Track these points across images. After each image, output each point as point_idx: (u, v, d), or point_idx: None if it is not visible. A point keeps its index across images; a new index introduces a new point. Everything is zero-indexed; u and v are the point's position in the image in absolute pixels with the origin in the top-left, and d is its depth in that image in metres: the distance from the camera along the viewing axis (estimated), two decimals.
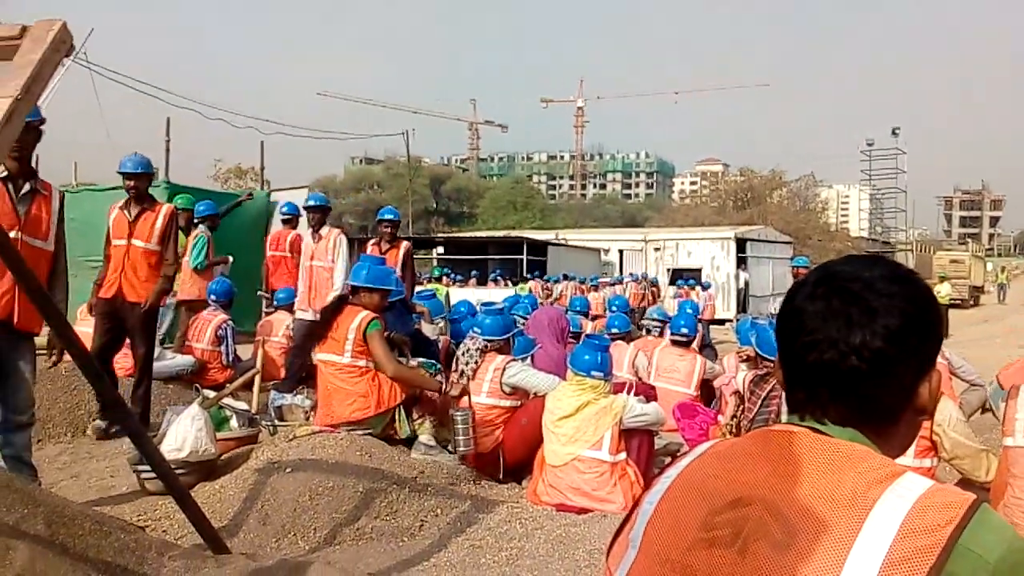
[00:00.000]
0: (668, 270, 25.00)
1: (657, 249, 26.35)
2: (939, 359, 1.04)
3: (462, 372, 5.19)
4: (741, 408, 4.70)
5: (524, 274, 22.16)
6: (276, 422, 5.86)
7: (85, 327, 6.86)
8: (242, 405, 5.41)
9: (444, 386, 5.08)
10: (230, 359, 7.48)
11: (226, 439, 4.89)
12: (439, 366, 5.69)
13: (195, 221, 8.44)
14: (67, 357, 4.21)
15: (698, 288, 20.29)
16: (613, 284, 19.50)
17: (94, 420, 5.73)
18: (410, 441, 4.98)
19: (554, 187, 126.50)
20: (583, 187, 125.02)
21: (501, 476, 5.06)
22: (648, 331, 8.56)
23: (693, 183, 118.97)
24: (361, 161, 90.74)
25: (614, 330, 7.94)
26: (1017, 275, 53.01)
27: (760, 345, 5.05)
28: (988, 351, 13.79)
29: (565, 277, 20.06)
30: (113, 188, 10.42)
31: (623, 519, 1.09)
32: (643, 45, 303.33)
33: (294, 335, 7.38)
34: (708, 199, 63.69)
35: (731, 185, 60.96)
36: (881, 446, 0.97)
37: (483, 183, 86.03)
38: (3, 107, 2.11)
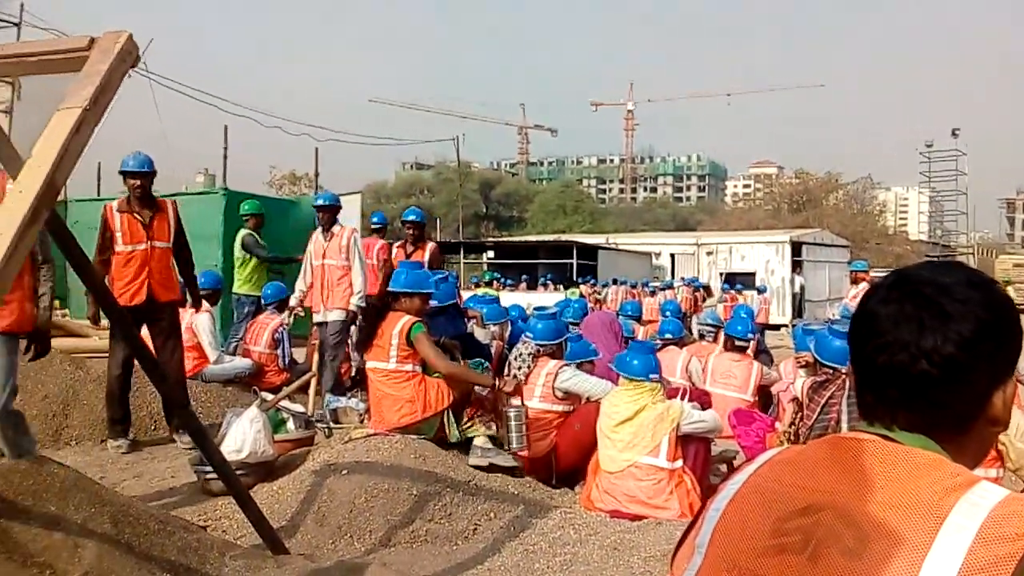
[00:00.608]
0: (721, 274, 24.67)
1: (709, 253, 26.06)
2: None
3: (514, 376, 5.19)
4: (799, 415, 4.59)
5: (574, 278, 22.10)
6: (331, 424, 5.94)
7: None
8: (298, 408, 5.49)
9: (496, 382, 5.04)
10: (286, 362, 7.60)
11: (283, 441, 4.97)
12: (486, 364, 5.69)
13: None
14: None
15: (748, 292, 19.86)
16: (664, 288, 19.30)
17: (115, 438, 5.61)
18: (461, 445, 4.98)
19: (604, 191, 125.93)
20: (633, 191, 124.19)
21: (554, 481, 5.05)
22: (702, 336, 8.45)
23: (746, 186, 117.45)
24: (412, 167, 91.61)
25: (668, 335, 7.86)
26: None
27: (819, 351, 4.95)
28: None
29: (615, 282, 19.96)
30: (174, 195, 10.72)
31: (688, 525, 1.08)
32: (694, 46, 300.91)
33: (321, 339, 7.25)
34: (762, 202, 62.83)
35: (786, 188, 60.12)
36: (953, 455, 0.95)
37: (533, 187, 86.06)
38: (73, 117, 2.17)
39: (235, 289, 8.53)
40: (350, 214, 12.19)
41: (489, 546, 3.90)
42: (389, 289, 5.30)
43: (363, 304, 6.97)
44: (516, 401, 4.92)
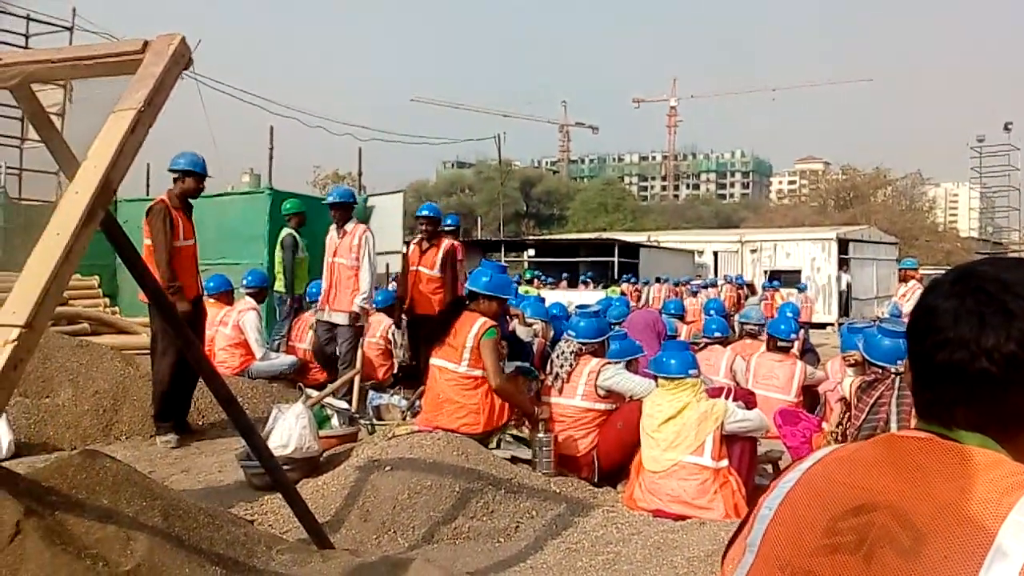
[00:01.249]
0: (765, 272, 24.34)
1: (753, 251, 25.71)
2: None
3: (556, 375, 5.19)
4: (847, 415, 4.52)
5: (615, 277, 22.00)
6: (375, 421, 6.00)
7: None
8: (343, 404, 5.55)
9: (538, 412, 5.00)
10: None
11: (328, 437, 5.03)
12: (536, 372, 5.68)
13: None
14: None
15: (788, 290, 19.37)
16: (707, 287, 19.08)
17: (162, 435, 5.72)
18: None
19: (646, 188, 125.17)
20: (676, 188, 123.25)
21: (596, 480, 5.03)
22: (751, 335, 8.35)
23: (792, 182, 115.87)
24: (453, 165, 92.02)
25: (715, 334, 7.79)
26: None
27: (868, 350, 4.86)
28: None
29: (656, 280, 19.79)
30: (218, 195, 10.90)
31: (740, 523, 1.07)
32: (738, 41, 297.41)
33: (318, 337, 7.29)
34: (808, 198, 61.89)
35: (832, 184, 59.13)
36: (1013, 454, 0.92)
37: (574, 185, 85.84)
38: (128, 118, 2.22)
39: (276, 287, 8.65)
40: (393, 213, 12.30)
41: (531, 544, 3.90)
42: (469, 288, 5.23)
43: (366, 305, 6.96)
44: (546, 429, 4.87)
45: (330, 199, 7.25)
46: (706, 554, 3.57)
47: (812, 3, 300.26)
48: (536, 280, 22.21)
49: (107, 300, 10.37)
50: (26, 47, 13.84)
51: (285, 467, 4.12)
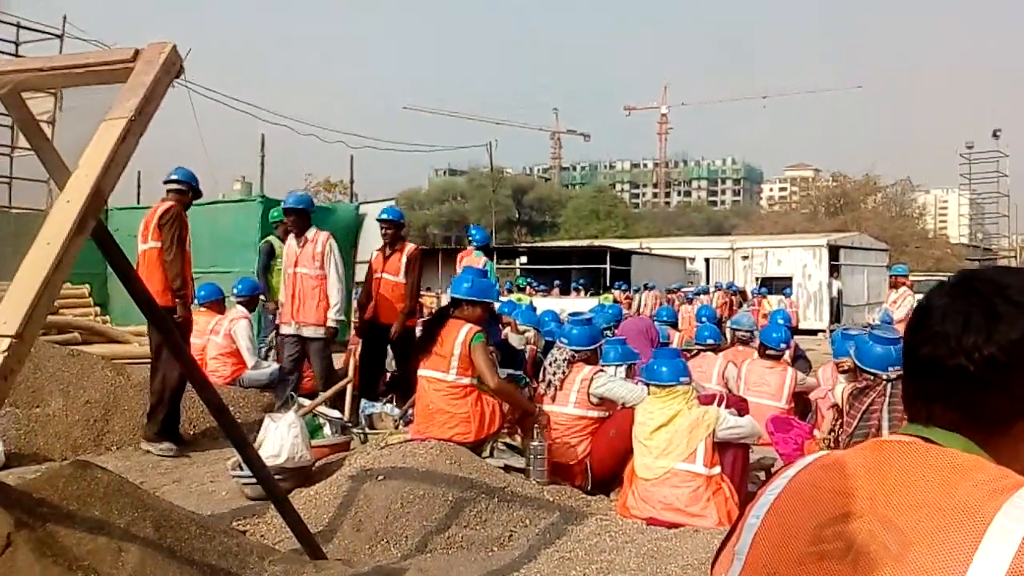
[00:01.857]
0: (757, 279, 24.43)
1: (745, 257, 25.79)
2: None
3: (549, 382, 5.18)
4: (839, 422, 4.53)
5: (607, 284, 22.03)
6: (367, 430, 5.97)
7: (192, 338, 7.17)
8: (335, 413, 5.53)
9: (537, 414, 5.01)
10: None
11: (320, 446, 5.01)
12: (528, 379, 5.67)
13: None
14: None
15: (775, 297, 19.47)
16: (699, 293, 19.14)
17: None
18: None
19: (637, 195, 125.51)
20: (667, 195, 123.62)
21: (589, 487, 5.02)
22: (742, 341, 8.37)
23: (782, 189, 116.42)
24: (445, 172, 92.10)
25: (708, 341, 7.80)
26: None
27: (860, 357, 4.87)
28: None
29: (646, 287, 19.82)
30: (210, 203, 10.87)
31: (728, 532, 1.08)
32: (729, 49, 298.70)
33: (284, 353, 6.82)
34: (798, 205, 62.13)
35: (823, 191, 59.43)
36: (994, 456, 0.93)
37: (565, 192, 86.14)
38: (119, 127, 2.22)
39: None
40: None
41: (524, 553, 3.89)
42: (452, 295, 5.17)
43: (341, 318, 6.60)
44: (541, 437, 4.87)
45: (288, 204, 6.83)
46: (700, 562, 3.57)
47: (802, 10, 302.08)
48: (528, 287, 22.22)
49: (98, 309, 10.33)
50: (16, 55, 13.81)
51: (277, 477, 4.10)
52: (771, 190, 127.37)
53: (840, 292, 24.16)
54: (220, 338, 7.32)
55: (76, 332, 8.28)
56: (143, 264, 5.69)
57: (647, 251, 27.14)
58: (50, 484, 2.58)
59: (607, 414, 5.14)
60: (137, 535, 2.55)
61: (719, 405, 4.83)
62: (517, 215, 71.49)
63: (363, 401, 6.59)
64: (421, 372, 4.98)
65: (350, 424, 5.73)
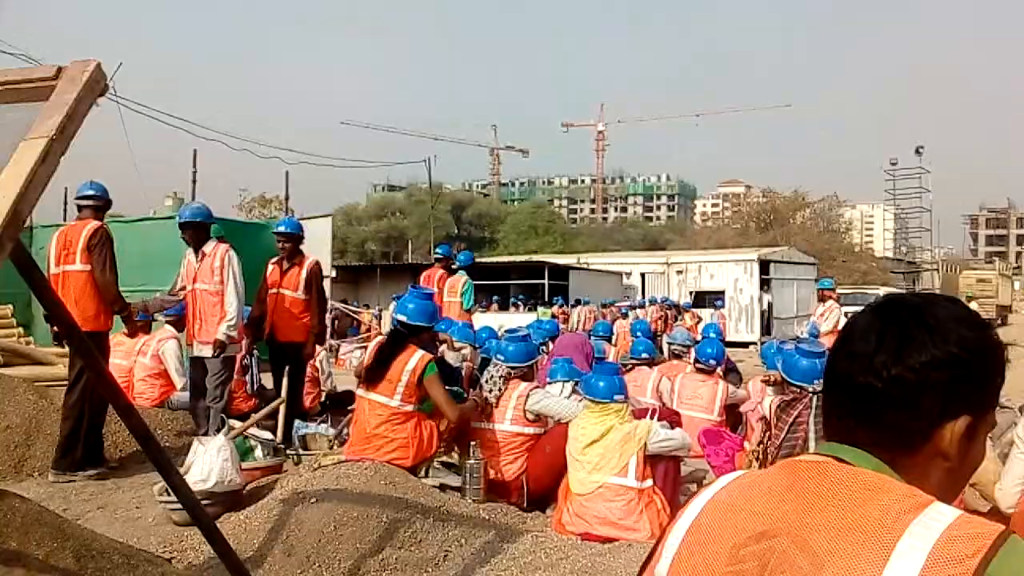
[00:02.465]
0: (690, 292, 24.89)
1: (679, 272, 26.24)
2: None
3: (486, 400, 5.19)
4: (768, 434, 4.64)
5: (546, 299, 22.14)
6: (300, 451, 5.88)
7: (118, 359, 6.98)
8: (266, 435, 5.43)
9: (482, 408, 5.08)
10: (254, 388, 7.52)
11: (251, 469, 4.91)
12: (466, 396, 5.67)
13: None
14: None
15: (705, 311, 20.02)
16: (633, 307, 19.38)
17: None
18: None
19: (575, 211, 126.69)
20: (604, 211, 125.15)
21: (525, 504, 5.03)
22: (677, 355, 8.50)
23: (715, 205, 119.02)
24: (383, 188, 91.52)
25: (642, 355, 7.89)
26: None
27: (786, 370, 5.01)
28: (1017, 372, 13.51)
29: (578, 302, 20.01)
30: (140, 219, 10.62)
31: (649, 551, 1.09)
32: (663, 68, 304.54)
33: (191, 374, 6.43)
34: (730, 221, 63.50)
35: (753, 207, 60.87)
36: (903, 475, 0.96)
37: (504, 208, 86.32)
38: (39, 147, 2.16)
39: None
40: (321, 236, 12.16)
41: (459, 572, 3.87)
42: (406, 321, 5.01)
43: (232, 334, 6.18)
44: (477, 455, 4.87)
45: (184, 218, 6.41)
46: None
47: (735, 33, 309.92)
48: None
49: (21, 330, 9.97)
50: None
51: (206, 502, 4.01)
52: (704, 206, 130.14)
53: (770, 305, 24.77)
54: (148, 359, 7.12)
55: None
56: (67, 287, 5.47)
57: (585, 266, 27.38)
58: None
59: (543, 430, 5.16)
60: (56, 567, 2.47)
61: (652, 418, 4.90)
62: (456, 231, 71.32)
63: (296, 421, 6.48)
64: (364, 393, 4.90)
65: (282, 446, 5.64)
